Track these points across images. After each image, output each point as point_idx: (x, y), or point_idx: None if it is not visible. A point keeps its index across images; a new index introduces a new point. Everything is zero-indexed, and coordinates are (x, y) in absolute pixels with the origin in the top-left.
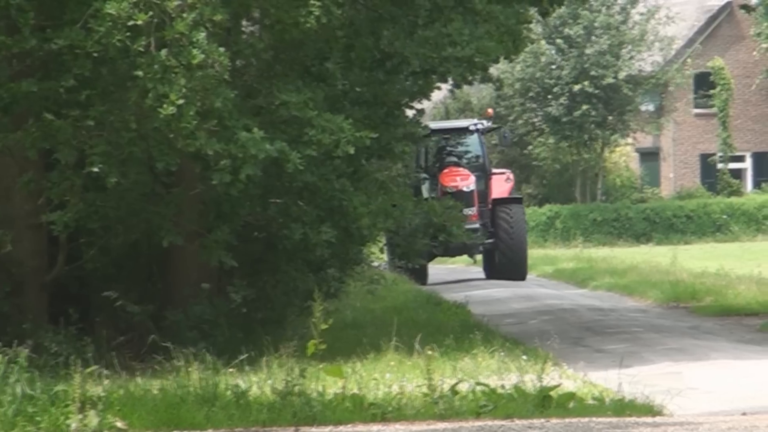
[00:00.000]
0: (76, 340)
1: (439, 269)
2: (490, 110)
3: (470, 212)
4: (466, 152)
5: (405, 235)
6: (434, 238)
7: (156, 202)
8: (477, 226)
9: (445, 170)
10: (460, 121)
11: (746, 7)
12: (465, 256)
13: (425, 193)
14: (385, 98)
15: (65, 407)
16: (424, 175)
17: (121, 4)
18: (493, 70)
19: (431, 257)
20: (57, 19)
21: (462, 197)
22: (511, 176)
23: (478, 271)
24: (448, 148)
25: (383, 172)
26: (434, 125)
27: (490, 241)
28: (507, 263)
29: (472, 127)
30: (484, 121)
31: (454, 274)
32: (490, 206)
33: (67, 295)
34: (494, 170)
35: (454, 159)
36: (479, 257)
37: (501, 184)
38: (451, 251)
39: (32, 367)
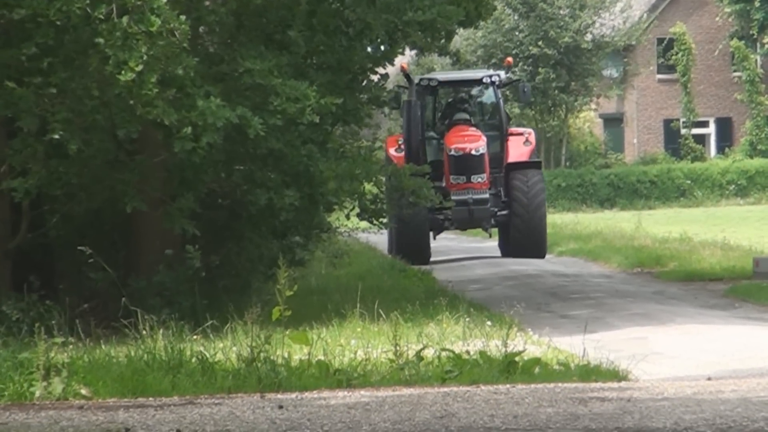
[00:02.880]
0: (39, 308)
1: (447, 246)
2: (509, 59)
3: (479, 179)
4: (480, 108)
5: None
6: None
7: (119, 169)
8: (487, 195)
9: (453, 129)
10: (472, 72)
11: None
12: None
13: (430, 156)
14: (349, 64)
15: (29, 375)
16: (432, 134)
17: None
18: (456, 39)
19: (438, 231)
20: None
21: (470, 161)
22: (532, 137)
23: (492, 247)
24: (459, 104)
25: (350, 141)
26: (442, 76)
27: (504, 212)
28: (523, 238)
29: (486, 79)
30: (501, 72)
31: (465, 250)
32: (504, 172)
33: (31, 262)
34: (513, 130)
35: (465, 116)
36: (495, 231)
37: (519, 147)
38: (458, 224)
39: None
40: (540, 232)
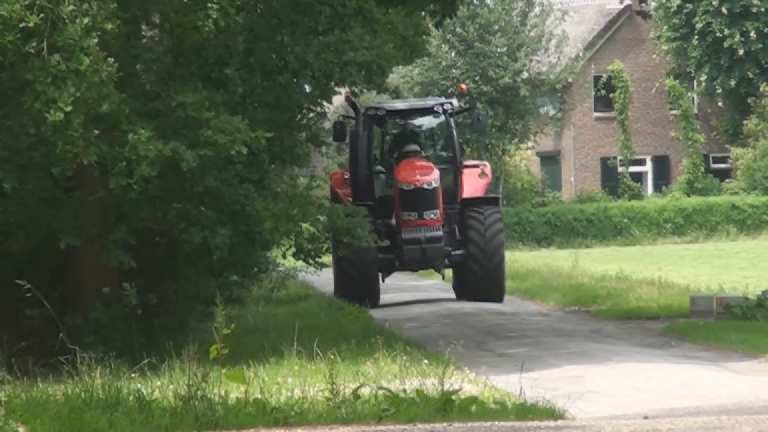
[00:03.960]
0: None
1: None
2: (463, 86)
3: (432, 215)
4: (431, 139)
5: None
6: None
7: (56, 206)
8: (440, 233)
9: (403, 162)
10: (422, 100)
11: (642, 14)
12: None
13: (378, 191)
14: (287, 102)
15: None
16: (379, 168)
17: (13, 6)
18: (393, 77)
19: (388, 272)
20: None
21: (422, 196)
22: (488, 170)
23: (445, 288)
24: (408, 135)
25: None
26: (390, 105)
27: (458, 252)
28: (480, 282)
29: (437, 108)
30: (454, 101)
31: (417, 292)
32: (458, 207)
33: None
34: (466, 162)
35: (415, 148)
36: (449, 273)
37: (474, 180)
38: (409, 264)
39: None
40: (498, 275)
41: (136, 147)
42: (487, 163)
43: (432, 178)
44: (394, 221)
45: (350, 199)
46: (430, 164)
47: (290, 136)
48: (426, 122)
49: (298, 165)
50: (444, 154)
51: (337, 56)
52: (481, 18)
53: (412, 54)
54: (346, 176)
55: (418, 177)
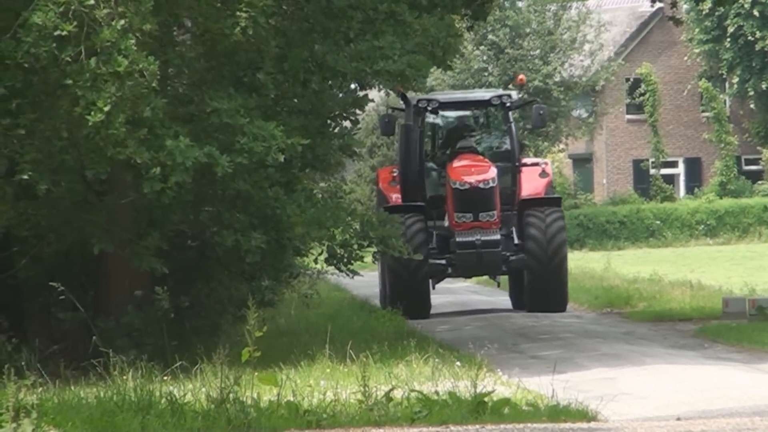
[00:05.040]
0: (8, 349)
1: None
2: (522, 76)
3: (489, 218)
4: (488, 134)
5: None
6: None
7: (88, 210)
8: (498, 236)
9: (457, 159)
10: (479, 92)
11: (674, 20)
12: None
13: (430, 190)
14: (320, 108)
15: None
16: (431, 164)
17: (48, 15)
18: (428, 80)
19: (439, 279)
20: None
21: (478, 197)
22: (549, 168)
23: (502, 298)
24: (463, 130)
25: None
26: (444, 97)
27: (516, 257)
28: (540, 288)
29: (495, 100)
30: (513, 93)
31: (470, 301)
32: (516, 209)
33: (0, 304)
34: (525, 160)
35: (471, 144)
36: (504, 279)
37: (534, 179)
38: (463, 271)
39: None
40: (560, 279)
41: (174, 154)
42: (548, 161)
43: (489, 176)
44: (446, 223)
45: (399, 199)
46: (487, 161)
47: (323, 144)
48: (482, 115)
49: (328, 174)
50: (501, 150)
51: (368, 64)
52: (511, 20)
53: (444, 56)
54: (394, 174)
55: (473, 176)
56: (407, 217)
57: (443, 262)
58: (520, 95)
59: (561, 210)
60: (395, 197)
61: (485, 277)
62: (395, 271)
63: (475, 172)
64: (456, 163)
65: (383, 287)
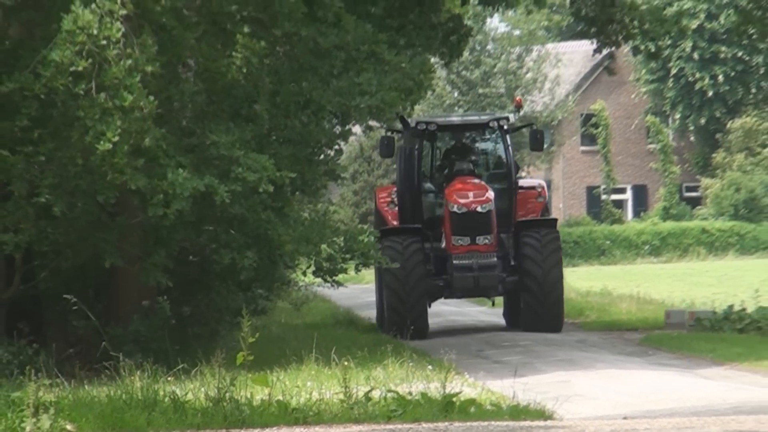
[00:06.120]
0: (29, 352)
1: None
2: (519, 98)
3: (486, 241)
4: (485, 157)
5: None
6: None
7: (101, 229)
8: (494, 260)
9: (454, 182)
10: (477, 114)
11: (609, 70)
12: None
13: (427, 212)
14: (308, 139)
15: (20, 412)
16: (429, 187)
17: (65, 52)
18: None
19: (434, 298)
20: (12, 66)
21: (475, 220)
22: (545, 191)
23: (496, 317)
24: (460, 152)
25: (307, 206)
26: (442, 120)
27: (512, 278)
28: (536, 308)
29: (493, 123)
30: (510, 116)
31: (462, 320)
32: (513, 230)
33: (21, 311)
34: (522, 182)
35: (468, 166)
36: (499, 299)
37: (529, 201)
38: (460, 292)
39: None
40: (557, 304)
41: (174, 184)
42: (543, 183)
43: (486, 200)
44: (443, 244)
45: (395, 221)
46: (484, 185)
47: (311, 171)
48: (480, 138)
49: (314, 198)
50: (498, 173)
51: (349, 99)
52: (485, 65)
53: (419, 90)
54: (392, 194)
55: (471, 199)
56: (405, 239)
57: (441, 283)
58: (517, 116)
59: (557, 231)
60: (392, 218)
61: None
62: (394, 291)
63: (473, 195)
64: (454, 186)
65: (380, 309)
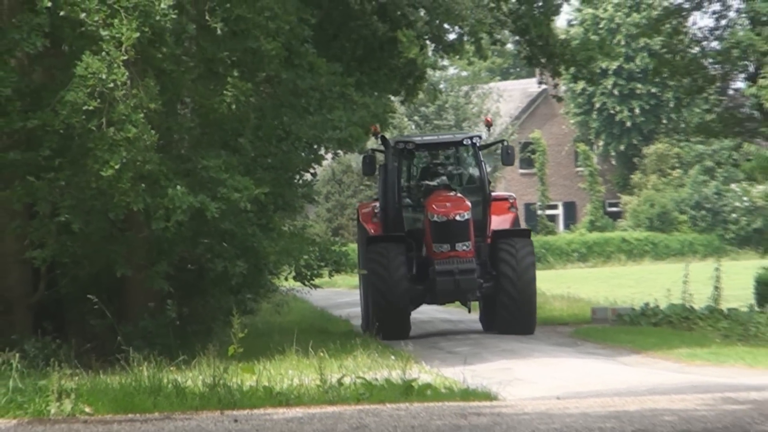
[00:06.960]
0: (52, 347)
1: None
2: (488, 117)
3: (464, 247)
4: (460, 172)
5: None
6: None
7: (113, 242)
8: (474, 265)
9: (433, 195)
10: (451, 134)
11: (557, 97)
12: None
13: (407, 224)
14: (288, 165)
15: (46, 397)
16: (408, 201)
17: (78, 94)
18: (368, 144)
19: (416, 304)
20: (36, 106)
21: (454, 228)
22: (515, 203)
23: (472, 321)
24: (437, 168)
25: (290, 222)
26: (419, 139)
27: (489, 284)
28: (511, 313)
29: (466, 141)
30: (482, 134)
31: (441, 323)
32: (489, 239)
33: (46, 312)
34: (495, 194)
35: (444, 180)
36: (475, 304)
37: (502, 212)
38: (442, 296)
39: (21, 367)
40: (530, 306)
41: (173, 199)
42: (514, 196)
43: (465, 208)
44: (424, 253)
45: (379, 232)
46: (461, 196)
47: (290, 192)
48: (455, 155)
49: (293, 215)
50: (472, 186)
51: (322, 132)
52: (440, 101)
53: (383, 126)
54: (375, 209)
55: (450, 209)
56: (389, 246)
57: (422, 288)
58: (488, 134)
59: (531, 242)
60: (375, 231)
61: (457, 303)
62: (380, 294)
63: (452, 206)
64: (433, 199)
65: (365, 311)
